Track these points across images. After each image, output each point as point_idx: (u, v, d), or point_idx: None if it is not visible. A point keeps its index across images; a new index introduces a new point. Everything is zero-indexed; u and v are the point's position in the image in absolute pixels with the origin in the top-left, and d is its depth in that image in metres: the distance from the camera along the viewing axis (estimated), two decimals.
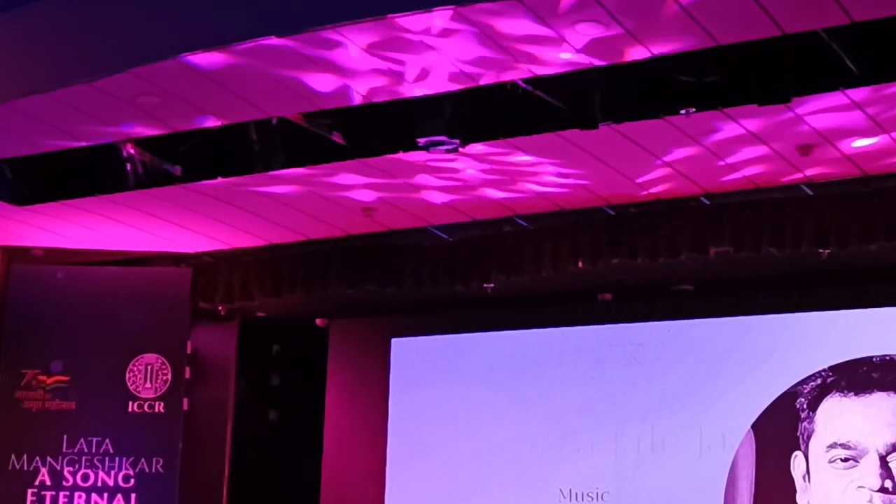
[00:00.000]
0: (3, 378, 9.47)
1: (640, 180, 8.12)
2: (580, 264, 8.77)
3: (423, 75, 6.74)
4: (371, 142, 7.55)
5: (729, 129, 7.20)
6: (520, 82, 6.70)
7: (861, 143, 7.38)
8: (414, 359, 10.36)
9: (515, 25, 5.98)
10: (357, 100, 6.97)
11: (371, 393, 10.43)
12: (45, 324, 9.67)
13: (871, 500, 8.66)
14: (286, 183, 8.18)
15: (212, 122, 7.36)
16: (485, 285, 9.16)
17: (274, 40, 6.27)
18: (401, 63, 6.53)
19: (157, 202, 8.53)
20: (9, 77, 7.21)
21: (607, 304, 9.71)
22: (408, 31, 6.05)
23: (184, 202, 8.55)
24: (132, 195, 8.27)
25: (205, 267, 9.85)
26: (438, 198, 8.52)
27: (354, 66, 6.55)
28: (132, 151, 7.87)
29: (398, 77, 6.70)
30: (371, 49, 6.29)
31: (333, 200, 8.56)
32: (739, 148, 7.48)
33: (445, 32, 6.07)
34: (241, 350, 10.32)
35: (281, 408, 10.77)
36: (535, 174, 8.12)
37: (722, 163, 7.70)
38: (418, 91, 6.90)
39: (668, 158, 7.72)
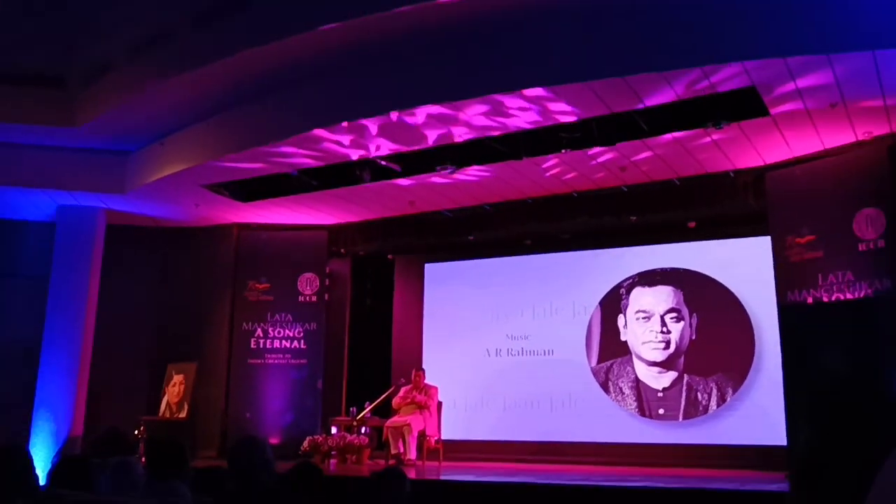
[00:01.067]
0: (237, 287, 9.94)
1: (545, 176, 8.21)
2: (515, 226, 9.21)
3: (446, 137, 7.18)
4: (414, 167, 8.00)
5: (594, 157, 7.62)
6: (485, 138, 7.21)
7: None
8: (437, 275, 10.76)
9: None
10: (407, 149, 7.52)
11: (415, 292, 10.83)
12: (261, 256, 10.00)
13: (656, 337, 9.32)
14: (371, 189, 8.54)
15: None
16: (469, 237, 9.65)
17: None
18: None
19: (311, 200, 9.03)
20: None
21: (529, 246, 10.08)
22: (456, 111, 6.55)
23: (324, 199, 8.99)
24: (299, 197, 8.85)
25: (334, 230, 10.07)
26: (443, 196, 8.86)
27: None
28: (300, 176, 8.30)
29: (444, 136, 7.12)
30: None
31: (394, 197, 8.90)
32: (599, 166, 7.87)
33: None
34: (353, 271, 10.83)
35: (373, 299, 11.12)
36: (489, 186, 8.41)
37: (593, 167, 8.03)
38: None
39: (555, 171, 8.07)
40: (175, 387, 9.24)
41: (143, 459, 5.15)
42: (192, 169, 8.16)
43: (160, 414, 9.17)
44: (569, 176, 8.29)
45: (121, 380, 9.41)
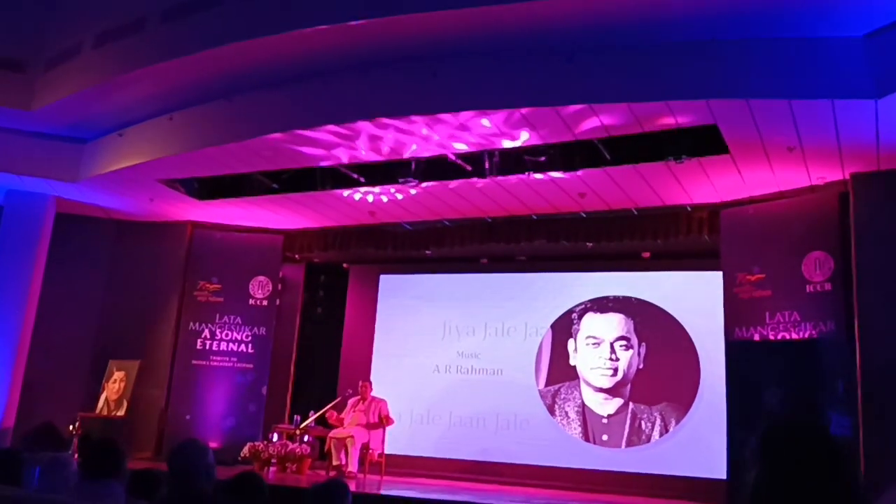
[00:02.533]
0: (187, 286, 9.67)
1: (506, 197, 8.21)
2: (473, 244, 9.17)
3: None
4: (376, 177, 7.95)
5: (556, 182, 7.67)
6: (449, 155, 7.29)
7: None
8: (391, 287, 10.70)
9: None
10: (370, 159, 7.48)
11: (368, 303, 10.74)
12: (213, 256, 9.75)
13: (604, 363, 9.38)
14: (332, 197, 8.48)
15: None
16: (427, 251, 9.61)
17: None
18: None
19: (270, 203, 8.88)
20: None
21: (485, 265, 10.14)
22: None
23: (282, 203, 8.85)
24: (256, 198, 8.69)
25: (290, 235, 9.92)
26: (404, 209, 8.79)
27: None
28: (259, 177, 8.26)
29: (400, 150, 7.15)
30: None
31: (355, 206, 8.79)
32: (560, 193, 7.96)
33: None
34: (306, 278, 10.77)
35: (324, 308, 11.05)
36: (452, 203, 8.45)
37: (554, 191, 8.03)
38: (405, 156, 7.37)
39: (517, 192, 8.13)
40: (115, 383, 9.04)
41: (77, 457, 5.03)
42: (150, 163, 8.03)
43: (98, 410, 8.96)
44: (530, 198, 8.34)
45: (59, 373, 9.17)
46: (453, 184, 7.91)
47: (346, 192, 8.43)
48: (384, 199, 8.65)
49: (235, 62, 6.81)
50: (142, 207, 9.54)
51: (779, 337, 7.13)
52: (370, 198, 8.62)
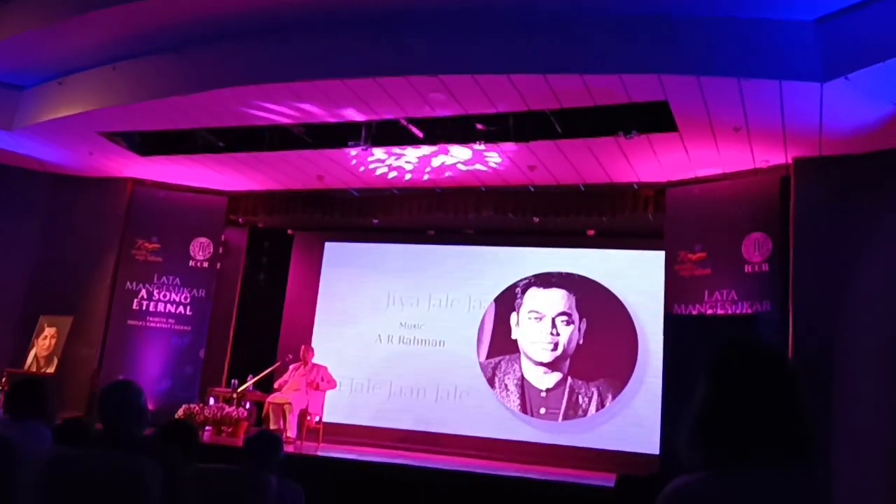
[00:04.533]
0: (125, 244, 9.29)
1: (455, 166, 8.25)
2: (420, 214, 9.15)
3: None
4: (326, 140, 7.80)
5: (506, 153, 7.72)
6: (401, 120, 7.21)
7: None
8: (336, 255, 10.64)
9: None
10: (321, 120, 7.37)
11: (312, 270, 10.69)
12: (154, 214, 9.46)
13: (545, 338, 9.48)
14: (279, 158, 8.34)
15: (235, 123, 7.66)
16: (374, 220, 9.52)
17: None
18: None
19: (213, 161, 8.69)
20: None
21: (432, 236, 10.12)
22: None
23: (227, 162, 8.67)
24: (201, 157, 8.52)
25: (235, 197, 9.75)
26: (353, 175, 8.71)
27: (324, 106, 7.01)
28: (204, 135, 8.02)
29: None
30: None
31: (303, 170, 8.67)
32: (510, 165, 7.97)
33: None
34: (249, 242, 10.62)
35: (267, 273, 10.89)
36: (398, 169, 8.40)
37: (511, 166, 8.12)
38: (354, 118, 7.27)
39: (466, 162, 8.17)
40: (45, 339, 8.76)
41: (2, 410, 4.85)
42: (90, 113, 7.74)
43: (26, 367, 8.67)
44: (479, 169, 8.34)
45: None
46: (404, 149, 7.88)
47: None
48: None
49: (186, 13, 6.58)
50: (80, 161, 9.21)
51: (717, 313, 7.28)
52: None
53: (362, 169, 8.67)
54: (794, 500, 1.24)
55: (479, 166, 8.30)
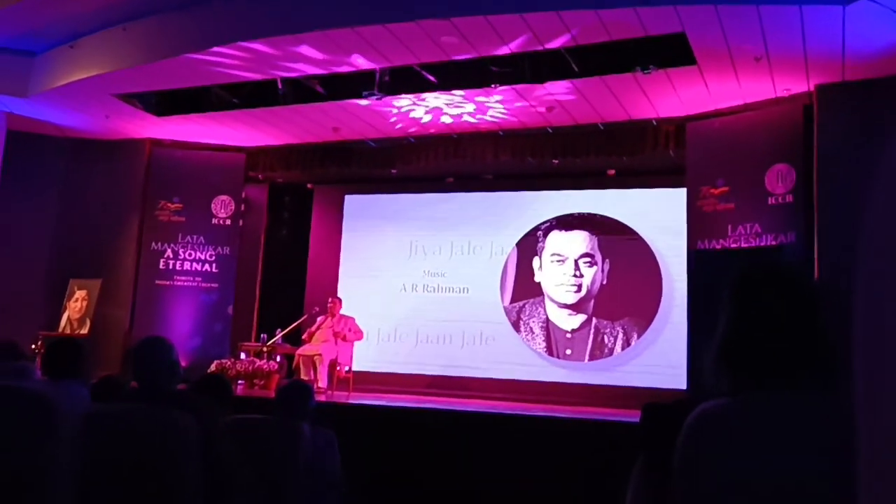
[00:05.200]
0: (147, 205, 9.45)
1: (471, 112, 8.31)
2: (439, 162, 9.05)
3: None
4: (339, 91, 7.77)
5: (524, 95, 7.58)
6: (414, 66, 7.21)
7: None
8: (357, 207, 10.68)
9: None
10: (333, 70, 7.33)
11: (333, 224, 10.72)
12: (174, 174, 9.49)
13: (568, 280, 9.51)
14: (294, 112, 8.31)
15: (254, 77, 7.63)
16: (392, 170, 9.49)
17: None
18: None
19: (229, 119, 8.67)
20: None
21: (451, 184, 10.08)
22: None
23: (243, 119, 8.67)
24: (217, 114, 8.50)
25: (252, 153, 9.75)
26: (369, 125, 8.71)
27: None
28: (219, 92, 8.04)
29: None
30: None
31: (318, 122, 8.65)
32: (527, 107, 7.88)
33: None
34: (270, 199, 10.71)
35: (289, 229, 10.98)
36: (415, 117, 8.34)
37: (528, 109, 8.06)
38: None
39: (484, 106, 8.12)
40: (77, 302, 8.92)
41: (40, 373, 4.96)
42: (104, 76, 7.73)
43: (60, 330, 8.85)
44: (497, 112, 8.23)
45: (17, 293, 8.94)
46: (418, 96, 7.80)
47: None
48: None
49: None
50: (98, 125, 9.22)
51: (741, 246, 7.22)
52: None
53: (394, 121, 8.57)
54: (821, 423, 1.22)
55: (492, 113, 8.20)
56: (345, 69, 7.33)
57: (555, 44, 6.49)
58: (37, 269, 9.27)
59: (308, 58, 7.14)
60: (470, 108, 8.18)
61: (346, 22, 6.45)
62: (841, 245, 6.46)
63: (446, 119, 8.47)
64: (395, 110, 8.39)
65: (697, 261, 7.42)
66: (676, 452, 1.24)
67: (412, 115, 8.45)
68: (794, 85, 7.00)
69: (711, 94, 7.32)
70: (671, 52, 6.48)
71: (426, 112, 8.37)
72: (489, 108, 8.14)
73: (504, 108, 8.11)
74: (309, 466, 3.35)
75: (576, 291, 9.51)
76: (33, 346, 8.05)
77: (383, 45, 6.77)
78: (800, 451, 1.16)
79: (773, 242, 7.04)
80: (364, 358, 9.27)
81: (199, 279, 9.59)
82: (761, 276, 1.37)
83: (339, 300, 8.98)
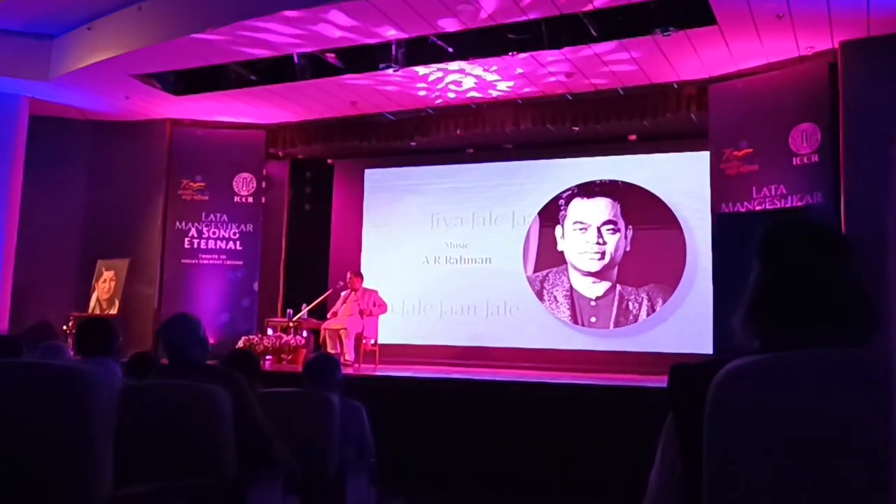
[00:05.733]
0: (171, 185, 9.54)
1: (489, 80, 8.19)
2: (458, 132, 9.02)
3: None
4: (357, 64, 7.82)
5: (541, 62, 7.56)
6: (431, 37, 7.14)
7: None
8: (377, 181, 10.70)
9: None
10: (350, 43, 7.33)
11: (354, 198, 10.75)
12: (195, 153, 9.56)
13: (591, 248, 9.46)
14: (312, 86, 8.30)
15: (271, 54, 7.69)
16: (411, 143, 9.48)
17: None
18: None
19: (247, 96, 8.71)
20: None
21: (471, 154, 10.09)
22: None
23: (261, 95, 8.66)
24: (235, 92, 8.55)
25: (272, 130, 9.81)
26: (387, 98, 8.68)
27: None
28: (237, 69, 8.10)
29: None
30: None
31: (336, 96, 8.65)
32: (546, 74, 7.83)
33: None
34: (291, 175, 10.77)
35: (311, 204, 11.03)
36: (437, 91, 8.28)
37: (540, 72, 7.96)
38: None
39: (503, 75, 8.03)
40: (105, 283, 9.04)
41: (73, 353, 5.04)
42: (122, 56, 7.76)
43: (90, 310, 8.98)
44: (517, 81, 8.16)
45: (47, 275, 9.12)
46: (438, 67, 7.75)
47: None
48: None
49: None
50: (118, 106, 9.28)
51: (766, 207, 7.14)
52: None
53: (423, 94, 8.52)
54: (856, 377, 1.20)
55: (509, 84, 8.14)
56: (362, 41, 7.25)
57: (572, 9, 6.39)
58: (66, 251, 9.40)
59: (324, 33, 7.09)
60: (489, 77, 8.10)
61: None
62: (868, 204, 6.36)
63: (468, 86, 8.35)
64: (421, 84, 8.31)
65: (721, 224, 7.36)
66: (707, 411, 1.23)
67: (432, 86, 8.36)
68: (817, 42, 6.86)
69: (733, 54, 7.21)
70: (691, 13, 6.39)
71: (444, 83, 8.28)
72: (507, 76, 8.04)
73: (523, 75, 8.00)
74: (340, 436, 3.39)
75: (599, 259, 9.46)
76: (65, 327, 8.18)
77: (399, 17, 6.72)
78: (835, 406, 1.15)
79: (799, 203, 6.96)
80: (389, 331, 9.29)
81: (224, 257, 9.68)
82: (790, 229, 1.35)
83: (361, 276, 9.00)
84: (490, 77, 8.11)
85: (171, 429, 2.81)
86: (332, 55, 7.70)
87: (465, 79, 8.15)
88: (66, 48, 8.35)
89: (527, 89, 8.42)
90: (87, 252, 9.40)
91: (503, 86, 8.35)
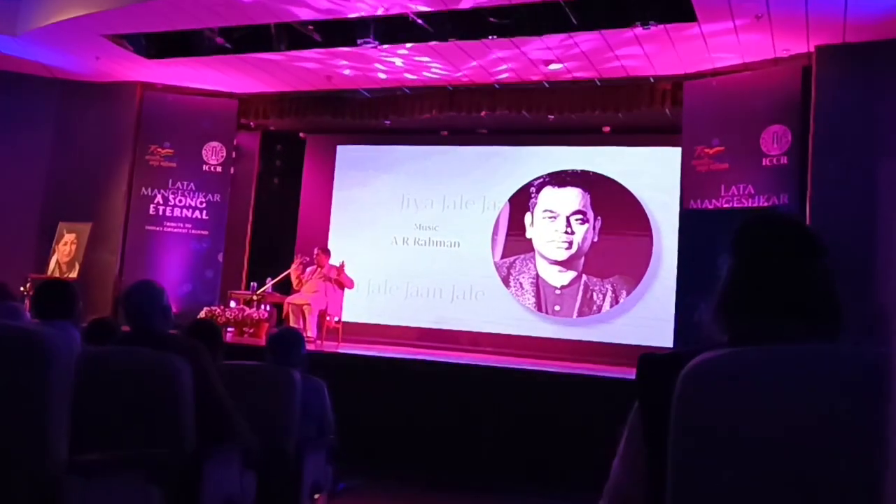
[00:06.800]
0: (138, 150, 9.34)
1: (463, 71, 8.20)
2: (433, 113, 8.95)
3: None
4: (334, 38, 7.72)
5: (521, 48, 7.49)
6: (410, 15, 7.04)
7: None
8: (349, 158, 10.66)
9: None
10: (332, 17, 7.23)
11: (325, 174, 10.69)
12: (165, 119, 9.30)
13: (560, 237, 9.51)
14: (287, 58, 8.23)
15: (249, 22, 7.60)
16: (385, 121, 9.39)
17: None
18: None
19: (221, 63, 8.56)
20: None
21: (445, 137, 10.04)
22: None
23: (236, 64, 8.56)
24: (209, 59, 8.39)
25: (245, 100, 9.62)
26: (363, 75, 8.60)
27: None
28: (210, 35, 7.94)
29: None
30: None
31: (312, 70, 8.57)
32: (524, 61, 7.76)
33: None
34: (262, 147, 10.64)
35: (280, 178, 11.02)
36: (414, 69, 8.28)
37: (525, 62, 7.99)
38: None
39: (480, 59, 8.00)
40: (66, 245, 8.86)
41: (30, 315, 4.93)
42: (94, 15, 7.54)
43: (49, 272, 8.80)
44: (494, 65, 8.13)
45: (5, 236, 8.90)
46: (415, 47, 7.69)
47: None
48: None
49: None
50: (88, 66, 9.05)
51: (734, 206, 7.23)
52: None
53: (383, 73, 8.39)
54: (823, 372, 1.21)
55: (487, 66, 8.09)
56: (339, 15, 7.16)
57: None
58: (26, 212, 9.18)
59: (302, 2, 6.99)
60: (464, 60, 8.06)
61: None
62: (833, 209, 6.48)
63: (442, 67, 8.30)
64: (393, 58, 8.23)
65: (689, 220, 7.44)
66: (674, 401, 1.24)
67: (402, 64, 8.30)
68: (793, 45, 6.94)
69: (710, 51, 7.26)
70: (671, 7, 6.41)
71: (417, 62, 8.21)
72: (485, 61, 8.00)
73: (501, 60, 7.97)
74: (301, 413, 3.37)
75: (566, 248, 9.51)
76: (22, 289, 8.00)
77: None
78: (802, 400, 1.16)
79: (766, 203, 7.05)
80: (354, 309, 9.28)
81: (190, 226, 9.51)
82: (765, 225, 1.35)
83: (329, 253, 8.94)
84: (466, 61, 8.02)
85: (130, 398, 2.77)
86: (310, 27, 7.54)
87: (440, 61, 8.05)
88: (35, 3, 8.11)
89: (504, 75, 8.36)
90: (48, 214, 9.20)
91: (480, 69, 8.27)
